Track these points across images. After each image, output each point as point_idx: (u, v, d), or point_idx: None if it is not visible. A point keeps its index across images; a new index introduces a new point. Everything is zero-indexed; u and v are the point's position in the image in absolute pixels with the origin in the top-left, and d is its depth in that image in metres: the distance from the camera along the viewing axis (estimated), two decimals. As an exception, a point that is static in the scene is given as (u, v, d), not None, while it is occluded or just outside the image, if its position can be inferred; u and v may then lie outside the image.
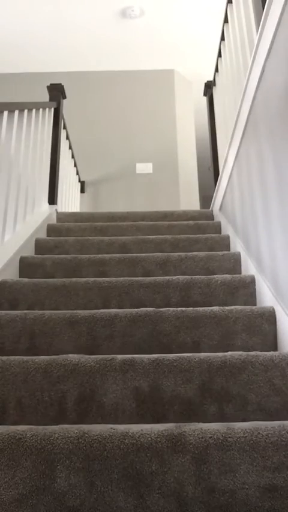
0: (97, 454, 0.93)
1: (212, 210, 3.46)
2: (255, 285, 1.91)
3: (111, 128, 5.13)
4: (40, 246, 2.54)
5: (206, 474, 0.91)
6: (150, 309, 1.62)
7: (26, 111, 2.64)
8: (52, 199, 3.25)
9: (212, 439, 0.94)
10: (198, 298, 1.85)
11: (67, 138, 3.89)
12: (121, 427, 0.99)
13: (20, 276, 2.21)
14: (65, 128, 3.73)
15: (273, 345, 1.56)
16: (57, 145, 3.37)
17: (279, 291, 1.62)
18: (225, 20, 2.80)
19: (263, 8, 1.77)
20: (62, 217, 3.20)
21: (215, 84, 3.44)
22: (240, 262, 2.28)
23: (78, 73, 5.31)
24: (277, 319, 1.58)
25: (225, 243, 2.61)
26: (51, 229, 2.88)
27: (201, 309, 1.63)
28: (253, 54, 1.88)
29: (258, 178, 1.93)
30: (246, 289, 1.89)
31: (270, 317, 1.59)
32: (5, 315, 1.60)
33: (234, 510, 0.89)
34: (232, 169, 2.63)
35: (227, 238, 2.64)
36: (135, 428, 0.99)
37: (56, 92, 3.46)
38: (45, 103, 3.22)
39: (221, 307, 1.64)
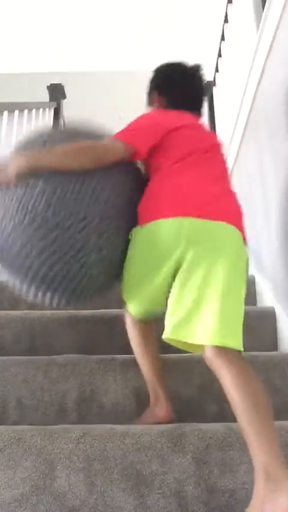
0: (97, 454, 0.93)
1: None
2: (255, 286, 1.91)
3: (111, 128, 5.13)
4: (40, 246, 2.53)
5: (206, 474, 0.91)
6: (150, 309, 1.61)
7: (26, 111, 2.64)
8: (52, 199, 3.24)
9: (212, 439, 0.94)
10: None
11: (67, 138, 3.88)
12: (121, 427, 0.99)
13: (20, 276, 2.21)
14: (65, 128, 3.72)
15: (273, 345, 1.56)
16: (57, 145, 3.37)
17: (279, 292, 1.62)
18: (225, 20, 2.80)
19: (263, 8, 1.77)
20: (62, 217, 3.20)
21: (215, 84, 3.44)
22: (240, 262, 2.28)
23: (78, 73, 5.31)
24: (277, 319, 1.58)
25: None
26: (51, 229, 2.87)
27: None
28: (253, 54, 1.88)
29: (258, 179, 1.93)
30: (246, 289, 1.89)
31: (270, 317, 1.59)
32: (5, 315, 1.60)
33: (234, 510, 0.89)
34: (232, 170, 2.63)
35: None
36: (135, 428, 0.99)
37: (56, 92, 3.46)
38: (45, 103, 3.22)
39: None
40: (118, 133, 1.16)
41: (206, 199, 1.08)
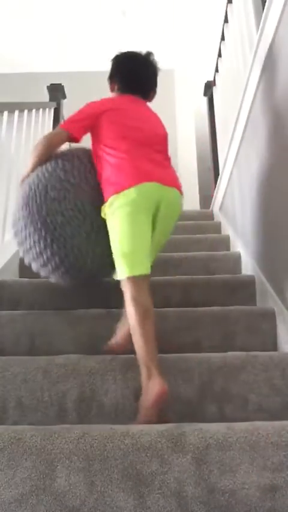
0: (97, 454, 0.93)
1: (212, 210, 3.46)
2: (255, 285, 1.91)
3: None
4: (40, 246, 2.53)
5: (206, 474, 0.91)
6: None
7: (26, 111, 2.64)
8: (52, 199, 3.23)
9: (212, 439, 0.94)
10: (198, 299, 1.84)
11: (67, 138, 3.88)
12: (121, 427, 0.99)
13: (20, 276, 2.21)
14: (65, 128, 3.72)
15: (273, 345, 1.56)
16: (57, 145, 3.36)
17: (280, 291, 1.62)
18: (225, 20, 2.80)
19: (263, 8, 1.77)
20: (62, 217, 3.19)
21: (215, 84, 3.44)
22: (240, 262, 2.28)
23: (78, 73, 5.31)
24: (277, 319, 1.58)
25: (225, 243, 2.61)
26: (51, 229, 2.87)
27: (201, 309, 1.63)
28: (253, 54, 1.88)
29: (258, 178, 1.93)
30: (246, 290, 1.89)
31: (270, 317, 1.59)
32: (5, 315, 1.60)
33: (234, 510, 0.89)
34: (232, 169, 2.63)
35: (227, 238, 2.64)
36: (135, 428, 0.99)
37: (56, 92, 3.46)
38: (45, 103, 3.22)
39: (221, 307, 1.64)
40: (61, 124, 1.55)
41: (156, 167, 1.42)
